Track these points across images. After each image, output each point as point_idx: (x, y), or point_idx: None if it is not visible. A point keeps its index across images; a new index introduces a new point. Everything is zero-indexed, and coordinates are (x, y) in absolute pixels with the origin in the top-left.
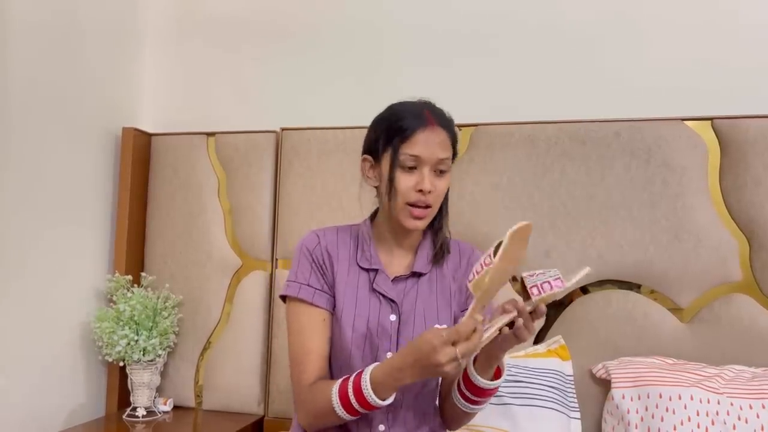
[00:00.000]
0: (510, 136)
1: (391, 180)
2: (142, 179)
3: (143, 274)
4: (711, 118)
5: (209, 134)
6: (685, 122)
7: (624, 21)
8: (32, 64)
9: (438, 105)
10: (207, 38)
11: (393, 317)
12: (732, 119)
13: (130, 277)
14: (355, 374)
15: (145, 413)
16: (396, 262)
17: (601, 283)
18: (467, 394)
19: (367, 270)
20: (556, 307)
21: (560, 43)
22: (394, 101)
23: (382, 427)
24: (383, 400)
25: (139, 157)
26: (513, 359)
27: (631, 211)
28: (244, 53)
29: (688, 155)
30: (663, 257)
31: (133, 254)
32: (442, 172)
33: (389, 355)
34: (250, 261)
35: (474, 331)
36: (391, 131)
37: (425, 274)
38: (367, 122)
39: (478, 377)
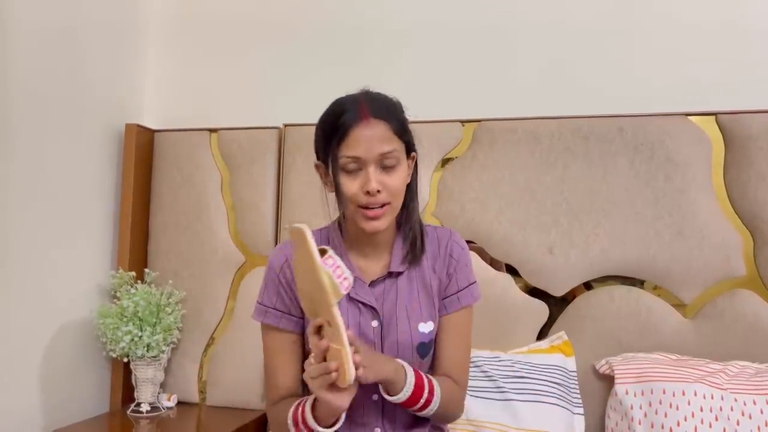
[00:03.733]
0: (513, 132)
1: (338, 186)
2: (145, 176)
3: (147, 270)
4: (715, 114)
5: (212, 130)
6: (688, 117)
7: (627, 16)
8: (35, 61)
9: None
10: (210, 35)
11: (375, 323)
12: (736, 114)
13: (133, 273)
14: (300, 402)
15: (149, 409)
16: (372, 264)
17: (605, 279)
18: None
19: None
20: (559, 304)
21: (563, 39)
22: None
23: (378, 431)
24: (328, 427)
25: (142, 153)
26: (516, 355)
27: (635, 207)
28: (246, 49)
29: (692, 151)
30: (666, 253)
31: (136, 250)
32: (389, 167)
33: None
34: (253, 257)
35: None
36: (327, 134)
37: (403, 272)
38: None
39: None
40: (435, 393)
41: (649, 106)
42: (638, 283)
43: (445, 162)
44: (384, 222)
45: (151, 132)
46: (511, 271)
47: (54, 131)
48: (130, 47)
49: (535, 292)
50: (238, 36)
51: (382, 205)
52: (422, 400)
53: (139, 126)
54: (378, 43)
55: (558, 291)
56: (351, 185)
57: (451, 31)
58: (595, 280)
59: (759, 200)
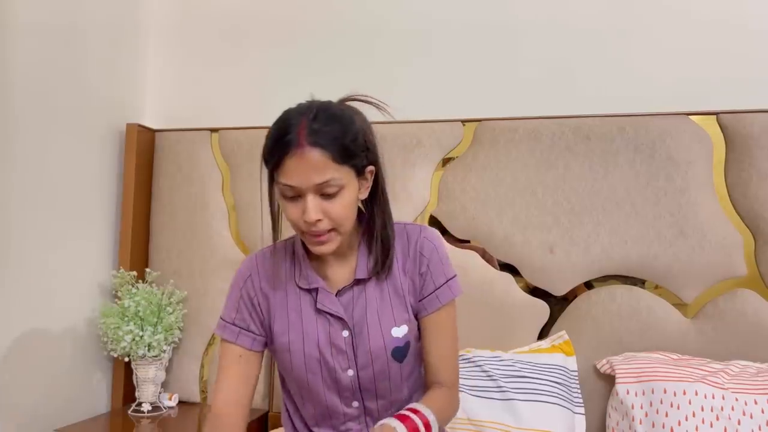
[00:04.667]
0: (514, 131)
1: (281, 208)
2: (147, 175)
3: (148, 269)
4: (716, 113)
5: (213, 130)
6: (689, 117)
7: (628, 15)
8: (36, 61)
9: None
10: (210, 34)
11: (345, 333)
12: (737, 114)
13: (134, 272)
14: None
15: (150, 408)
16: (338, 272)
17: (606, 279)
18: None
19: (308, 290)
20: (561, 303)
21: (564, 39)
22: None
23: None
24: None
25: (143, 153)
26: (517, 355)
27: (636, 207)
28: (247, 49)
29: (693, 150)
30: (667, 252)
31: (137, 250)
32: (329, 195)
33: (350, 373)
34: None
35: None
36: (265, 154)
37: (371, 277)
38: (371, 118)
39: None
40: (432, 426)
41: (650, 105)
42: (639, 282)
43: (446, 161)
44: (332, 246)
45: (152, 132)
46: (512, 270)
47: (55, 131)
48: (131, 47)
49: (536, 291)
50: (238, 36)
51: (326, 232)
52: None
53: (140, 126)
54: (378, 44)
55: (559, 290)
56: (292, 211)
57: (452, 31)
58: (595, 280)
59: (760, 199)
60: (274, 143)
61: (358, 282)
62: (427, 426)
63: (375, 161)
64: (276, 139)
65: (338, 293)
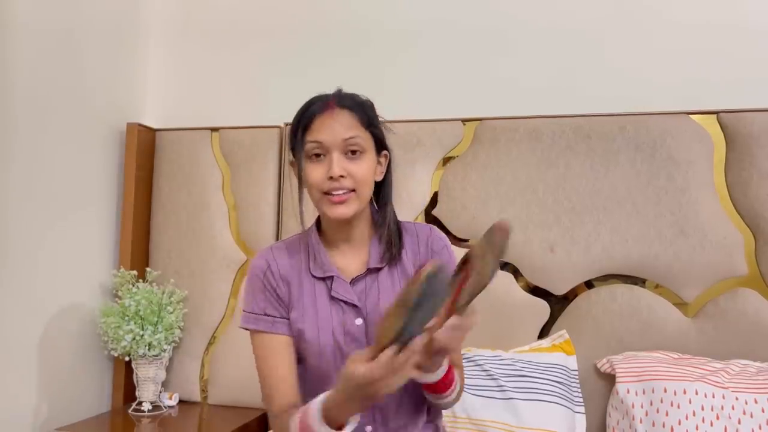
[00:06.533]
0: (514, 130)
1: (303, 173)
2: (147, 175)
3: (148, 269)
4: (717, 112)
5: (213, 129)
6: (690, 116)
7: (629, 15)
8: (37, 61)
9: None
10: (211, 34)
11: (359, 321)
12: (738, 113)
13: (135, 272)
14: (305, 410)
15: (150, 408)
16: (352, 262)
17: (606, 278)
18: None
19: (323, 278)
20: (561, 302)
21: (565, 38)
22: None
23: (369, 429)
24: (340, 429)
25: (144, 152)
26: (518, 354)
27: (636, 206)
28: (247, 49)
29: (694, 149)
30: (668, 252)
31: (138, 249)
32: (354, 153)
33: None
34: (254, 256)
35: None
36: (296, 126)
37: (383, 267)
38: None
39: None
40: (455, 380)
41: (650, 104)
42: (640, 281)
43: (446, 160)
44: (349, 208)
45: (153, 131)
46: (513, 269)
47: (56, 131)
48: (131, 47)
49: (536, 290)
50: (239, 35)
51: (347, 192)
52: (450, 383)
53: (140, 125)
54: (380, 43)
55: (559, 290)
56: (316, 172)
57: (453, 31)
58: (596, 279)
59: (761, 199)
60: (304, 111)
61: (370, 271)
62: (451, 383)
63: (388, 150)
64: (306, 107)
65: (352, 282)
